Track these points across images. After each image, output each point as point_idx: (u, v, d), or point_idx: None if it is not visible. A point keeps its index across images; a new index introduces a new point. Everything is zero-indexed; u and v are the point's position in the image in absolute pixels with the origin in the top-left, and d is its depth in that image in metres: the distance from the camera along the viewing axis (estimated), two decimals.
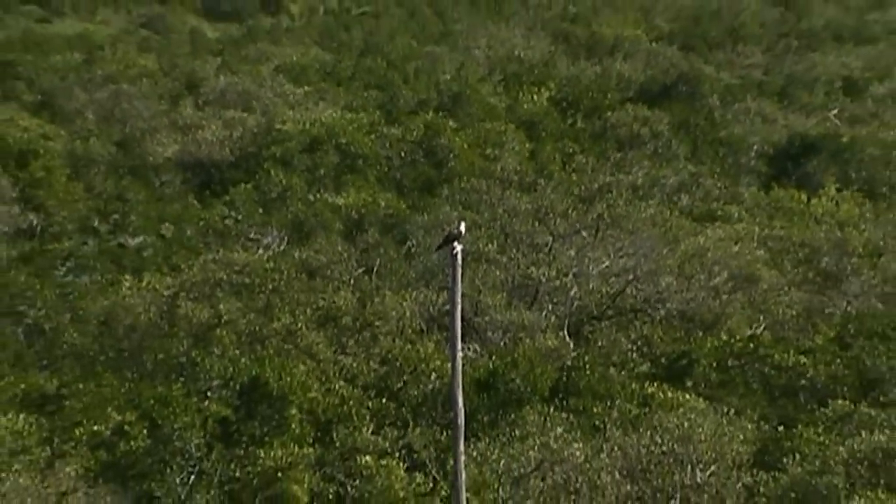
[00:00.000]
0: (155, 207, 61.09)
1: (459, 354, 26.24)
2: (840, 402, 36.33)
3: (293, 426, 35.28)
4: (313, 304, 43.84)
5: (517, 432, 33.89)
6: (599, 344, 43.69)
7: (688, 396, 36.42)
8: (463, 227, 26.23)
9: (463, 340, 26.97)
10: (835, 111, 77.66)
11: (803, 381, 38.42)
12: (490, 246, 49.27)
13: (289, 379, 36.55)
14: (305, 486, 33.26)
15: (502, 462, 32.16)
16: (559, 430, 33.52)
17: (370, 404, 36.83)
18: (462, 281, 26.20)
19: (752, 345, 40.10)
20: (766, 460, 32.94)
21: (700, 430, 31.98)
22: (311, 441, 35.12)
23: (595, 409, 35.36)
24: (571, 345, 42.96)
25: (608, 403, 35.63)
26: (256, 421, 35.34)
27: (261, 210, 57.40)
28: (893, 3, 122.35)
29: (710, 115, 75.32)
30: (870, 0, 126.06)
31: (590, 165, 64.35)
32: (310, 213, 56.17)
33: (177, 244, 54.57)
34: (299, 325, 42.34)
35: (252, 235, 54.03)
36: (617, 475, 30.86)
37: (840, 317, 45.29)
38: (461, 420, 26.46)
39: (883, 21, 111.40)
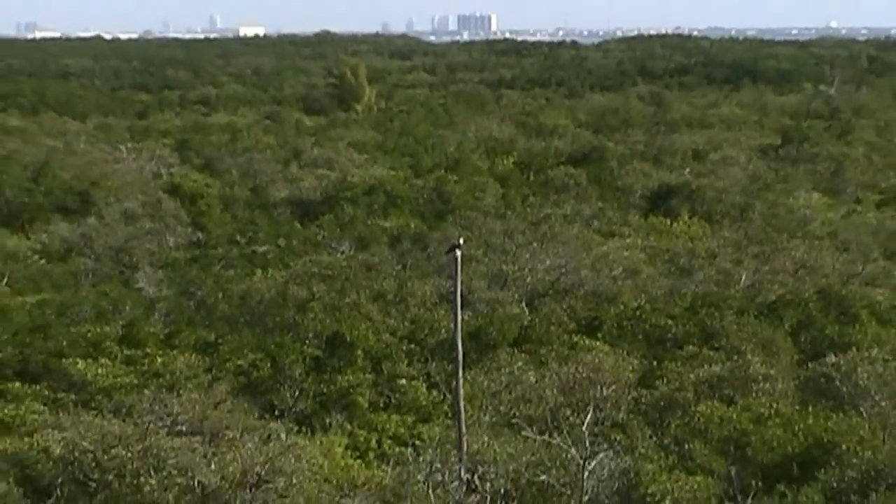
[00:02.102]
0: (274, 228, 61.00)
1: (459, 318, 26.25)
2: (690, 347, 36.23)
3: (358, 361, 35.20)
4: (370, 287, 43.67)
5: (494, 365, 33.81)
6: (544, 311, 43.38)
7: (598, 343, 36.32)
8: (461, 241, 26.23)
9: (461, 309, 26.96)
10: (687, 170, 77.23)
11: (669, 335, 38.19)
12: (478, 252, 49.11)
13: (355, 333, 36.47)
14: (366, 397, 33.19)
15: (485, 383, 32.07)
16: (519, 363, 33.45)
17: (405, 348, 36.72)
18: (461, 273, 26.20)
19: (637, 312, 39.91)
20: (645, 382, 32.80)
21: (606, 363, 31.80)
22: (368, 370, 35.02)
23: (541, 351, 35.26)
24: (527, 312, 42.83)
25: (549, 347, 35.54)
26: (336, 358, 35.28)
27: (338, 230, 57.26)
28: (723, 104, 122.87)
29: (611, 172, 74.99)
30: (709, 101, 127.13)
31: (538, 203, 64.16)
32: (368, 232, 56.11)
33: (287, 251, 54.45)
34: (362, 300, 42.25)
35: (332, 245, 53.92)
36: (555, 391, 30.64)
37: (691, 294, 45.15)
38: (460, 357, 26.48)
39: (717, 115, 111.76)
